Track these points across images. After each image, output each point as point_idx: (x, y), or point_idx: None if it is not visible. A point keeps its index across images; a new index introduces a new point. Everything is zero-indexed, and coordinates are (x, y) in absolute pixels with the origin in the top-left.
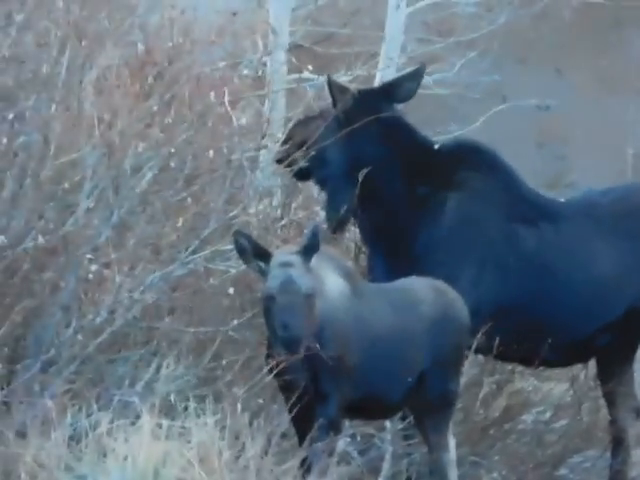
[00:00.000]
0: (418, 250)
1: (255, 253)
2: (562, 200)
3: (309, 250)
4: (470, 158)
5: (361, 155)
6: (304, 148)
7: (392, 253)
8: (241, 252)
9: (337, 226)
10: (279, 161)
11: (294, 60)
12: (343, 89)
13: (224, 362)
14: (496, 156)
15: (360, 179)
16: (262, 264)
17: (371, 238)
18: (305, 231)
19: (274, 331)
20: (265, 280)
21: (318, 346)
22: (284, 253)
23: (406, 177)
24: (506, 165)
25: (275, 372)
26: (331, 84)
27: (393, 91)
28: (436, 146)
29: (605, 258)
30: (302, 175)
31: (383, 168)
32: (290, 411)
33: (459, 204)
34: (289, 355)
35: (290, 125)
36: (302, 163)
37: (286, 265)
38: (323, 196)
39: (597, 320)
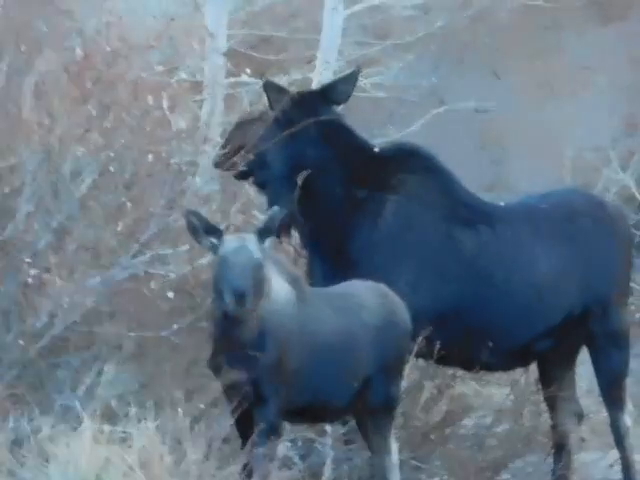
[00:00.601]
0: (357, 254)
1: (206, 230)
2: (501, 204)
3: (265, 232)
4: (409, 161)
5: (301, 157)
6: (243, 151)
7: (331, 257)
8: (192, 230)
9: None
10: (217, 165)
11: (231, 65)
12: (280, 90)
13: (165, 367)
14: (434, 159)
15: (300, 182)
16: (214, 240)
17: (310, 242)
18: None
19: (223, 287)
20: (217, 253)
21: (258, 350)
22: (239, 233)
23: (346, 180)
24: (445, 168)
25: (218, 375)
26: (268, 86)
27: (329, 93)
28: (376, 149)
29: (544, 263)
30: (243, 176)
31: (323, 171)
32: (233, 414)
33: (397, 207)
34: (237, 308)
35: (229, 128)
36: (242, 167)
37: (240, 238)
38: (263, 200)
39: (537, 325)
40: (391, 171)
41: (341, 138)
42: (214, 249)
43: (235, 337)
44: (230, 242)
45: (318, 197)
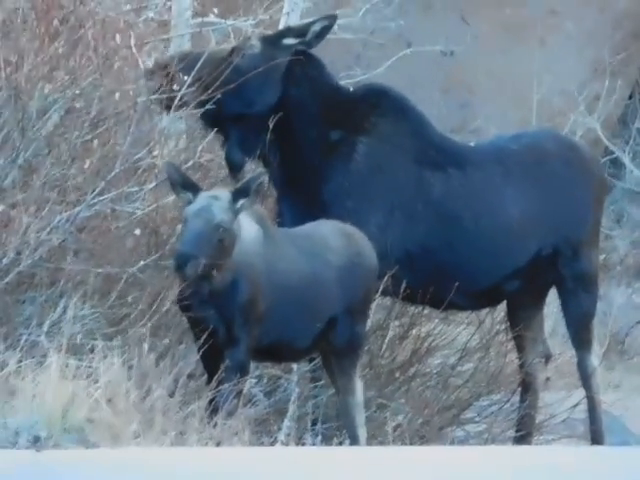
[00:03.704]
0: (327, 195)
1: (184, 185)
2: (471, 145)
3: (240, 193)
4: (380, 103)
5: (284, 96)
6: (211, 90)
7: (302, 198)
8: (172, 183)
9: (238, 168)
10: (185, 103)
11: (198, 4)
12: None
13: (130, 303)
14: (405, 101)
15: (272, 123)
16: (190, 195)
17: (281, 183)
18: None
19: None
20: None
21: (232, 291)
22: (217, 190)
23: (322, 121)
24: (416, 110)
25: (185, 309)
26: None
27: (303, 35)
28: (348, 90)
29: (513, 204)
30: (209, 117)
31: (299, 111)
32: (199, 350)
33: (368, 150)
34: (177, 274)
35: (197, 65)
36: (210, 105)
37: (212, 197)
38: (229, 136)
39: (505, 266)
40: (363, 113)
41: (319, 78)
42: (190, 204)
43: (203, 288)
44: (197, 202)
45: (292, 138)
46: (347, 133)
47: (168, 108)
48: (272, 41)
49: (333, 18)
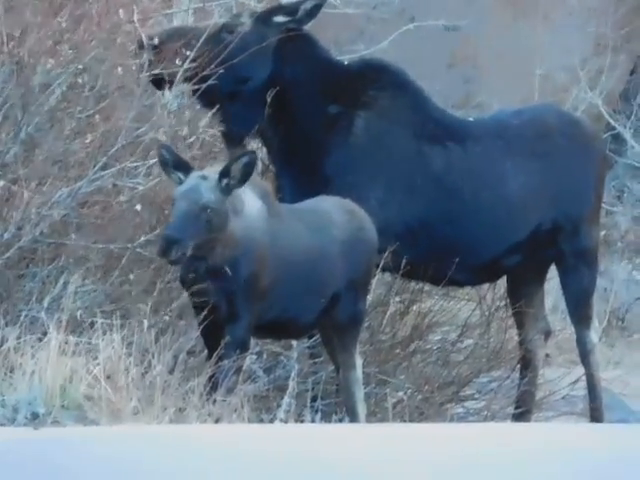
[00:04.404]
0: (328, 170)
1: (176, 165)
2: (471, 119)
3: (223, 174)
4: (378, 77)
5: (278, 72)
6: (213, 66)
7: (302, 173)
8: (163, 164)
9: (237, 142)
10: (187, 79)
11: None
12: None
13: (131, 279)
14: (404, 75)
15: (270, 98)
16: (182, 176)
17: (280, 158)
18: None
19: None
20: None
21: (235, 266)
22: (208, 169)
23: (320, 96)
24: (414, 84)
25: (188, 289)
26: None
27: (294, 13)
28: (346, 64)
29: (513, 179)
30: (203, 96)
31: (296, 86)
32: (199, 326)
33: (367, 124)
34: (161, 256)
35: (199, 43)
36: (212, 80)
37: (200, 177)
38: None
39: (505, 241)
40: (362, 87)
41: (313, 54)
42: (181, 184)
43: (199, 268)
44: (185, 183)
45: (291, 113)
46: (346, 107)
47: (167, 83)
48: (263, 19)
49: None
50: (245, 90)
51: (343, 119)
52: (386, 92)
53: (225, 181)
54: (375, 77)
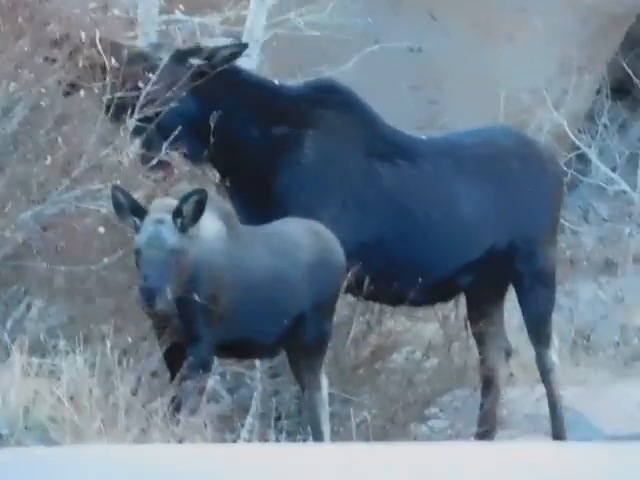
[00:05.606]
0: (280, 190)
1: (131, 209)
2: (423, 137)
3: (176, 214)
4: (326, 97)
5: (212, 108)
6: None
7: (253, 195)
8: (118, 208)
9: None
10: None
11: (164, 2)
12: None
13: (94, 301)
14: (352, 94)
15: (213, 125)
16: (137, 220)
17: (231, 182)
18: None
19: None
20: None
21: (192, 289)
22: (159, 209)
23: (259, 120)
24: (361, 102)
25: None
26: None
27: (211, 57)
28: (287, 86)
29: (465, 199)
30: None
31: (235, 117)
32: (162, 349)
33: (317, 142)
34: (148, 309)
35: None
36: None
37: (157, 222)
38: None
39: (457, 260)
40: (309, 107)
41: (242, 82)
42: (137, 229)
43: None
44: (145, 231)
45: (233, 140)
46: (292, 128)
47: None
48: (179, 58)
49: (244, 46)
50: (175, 126)
51: (291, 139)
52: (334, 111)
53: (179, 221)
54: (322, 97)
